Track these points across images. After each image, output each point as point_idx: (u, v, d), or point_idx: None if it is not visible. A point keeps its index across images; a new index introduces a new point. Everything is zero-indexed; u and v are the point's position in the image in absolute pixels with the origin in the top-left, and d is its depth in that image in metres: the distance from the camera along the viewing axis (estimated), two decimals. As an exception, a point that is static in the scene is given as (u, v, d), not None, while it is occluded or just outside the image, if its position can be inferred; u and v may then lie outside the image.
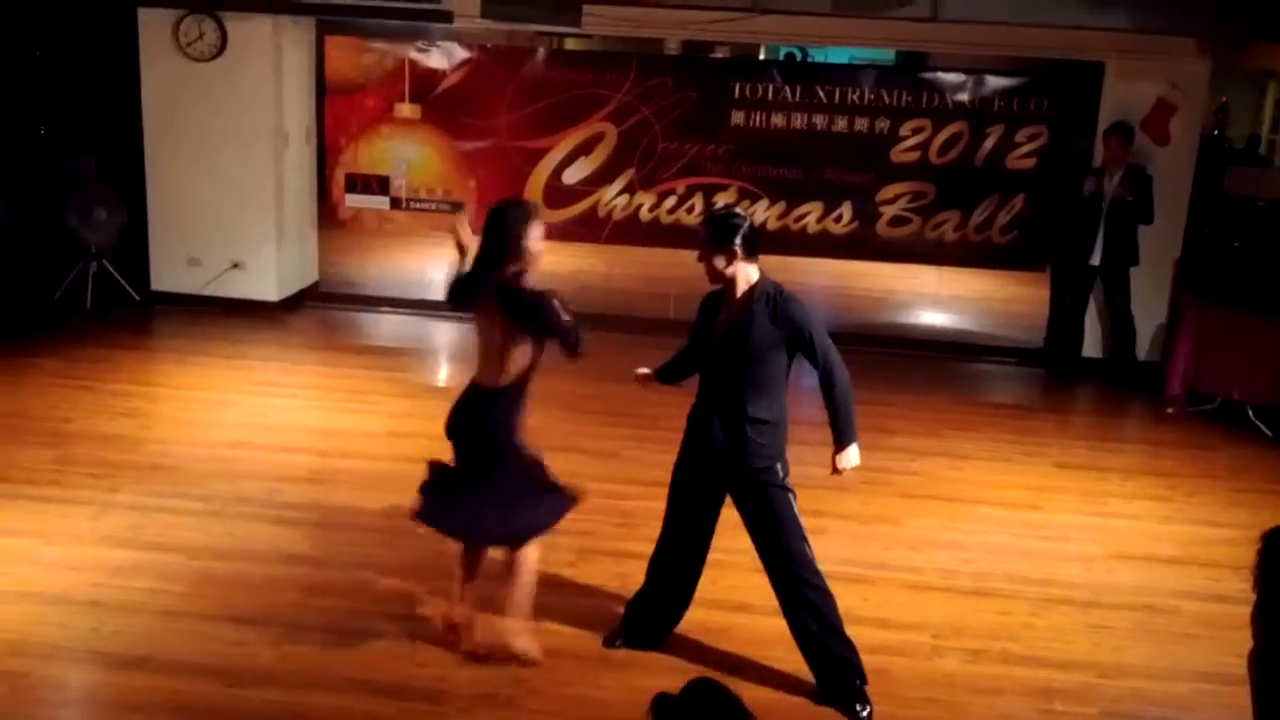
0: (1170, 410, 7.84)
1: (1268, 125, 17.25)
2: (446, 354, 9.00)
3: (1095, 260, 8.18)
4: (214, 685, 4.15)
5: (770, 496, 4.18)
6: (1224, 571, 5.42)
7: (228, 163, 8.85)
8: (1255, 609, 1.21)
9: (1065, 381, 8.49)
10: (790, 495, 4.19)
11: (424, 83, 8.99)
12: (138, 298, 9.06)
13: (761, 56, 15.43)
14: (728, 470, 4.22)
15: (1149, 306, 8.40)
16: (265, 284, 9.07)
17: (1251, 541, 5.63)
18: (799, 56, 14.97)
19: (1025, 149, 8.57)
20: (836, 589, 4.27)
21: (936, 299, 10.09)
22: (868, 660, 4.24)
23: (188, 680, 4.17)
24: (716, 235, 4.16)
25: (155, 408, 7.01)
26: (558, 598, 4.87)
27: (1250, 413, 7.58)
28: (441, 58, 8.99)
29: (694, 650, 4.43)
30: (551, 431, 6.82)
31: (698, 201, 8.93)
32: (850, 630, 4.24)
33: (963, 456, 6.73)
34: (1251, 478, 6.77)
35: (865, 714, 4.13)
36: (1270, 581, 1.18)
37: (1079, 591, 5.21)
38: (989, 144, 8.58)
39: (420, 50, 9.00)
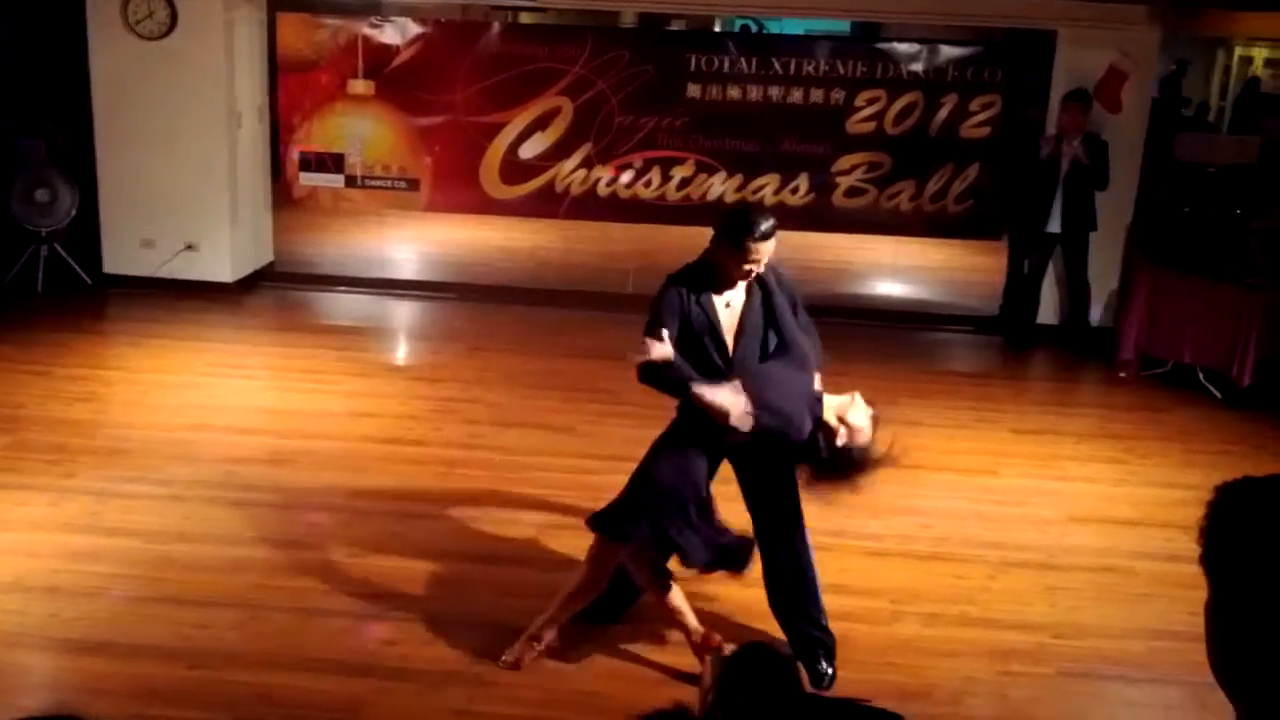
0: (1123, 375, 7.95)
1: (1217, 92, 17.44)
2: (404, 332, 8.97)
3: (1054, 227, 8.26)
4: (178, 668, 4.14)
5: (785, 461, 4.16)
6: (1178, 532, 5.51)
7: (180, 143, 8.74)
8: (1201, 559, 1.24)
9: (1020, 348, 8.59)
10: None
11: (377, 58, 8.91)
12: (90, 281, 8.95)
13: (717, 28, 15.41)
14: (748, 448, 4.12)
15: (1101, 272, 8.50)
16: (220, 265, 8.99)
17: (1204, 502, 5.76)
18: (755, 28, 14.97)
19: (979, 118, 8.62)
20: (796, 557, 4.32)
21: (893, 269, 10.16)
22: (830, 627, 4.30)
23: (151, 664, 4.16)
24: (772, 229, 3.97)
25: (111, 391, 6.95)
26: (523, 572, 4.90)
27: (1200, 375, 7.70)
28: (395, 33, 8.92)
29: (658, 621, 4.46)
30: (513, 409, 6.86)
31: (655, 176, 8.93)
32: (811, 597, 4.30)
33: (920, 424, 6.78)
34: (1203, 439, 6.89)
35: (829, 674, 4.20)
36: (1218, 531, 1.20)
37: (1035, 554, 5.29)
38: (943, 113, 8.62)
39: (373, 26, 8.92)
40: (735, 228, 3.93)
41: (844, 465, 3.96)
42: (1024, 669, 4.39)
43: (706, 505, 4.09)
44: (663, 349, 3.91)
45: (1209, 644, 1.24)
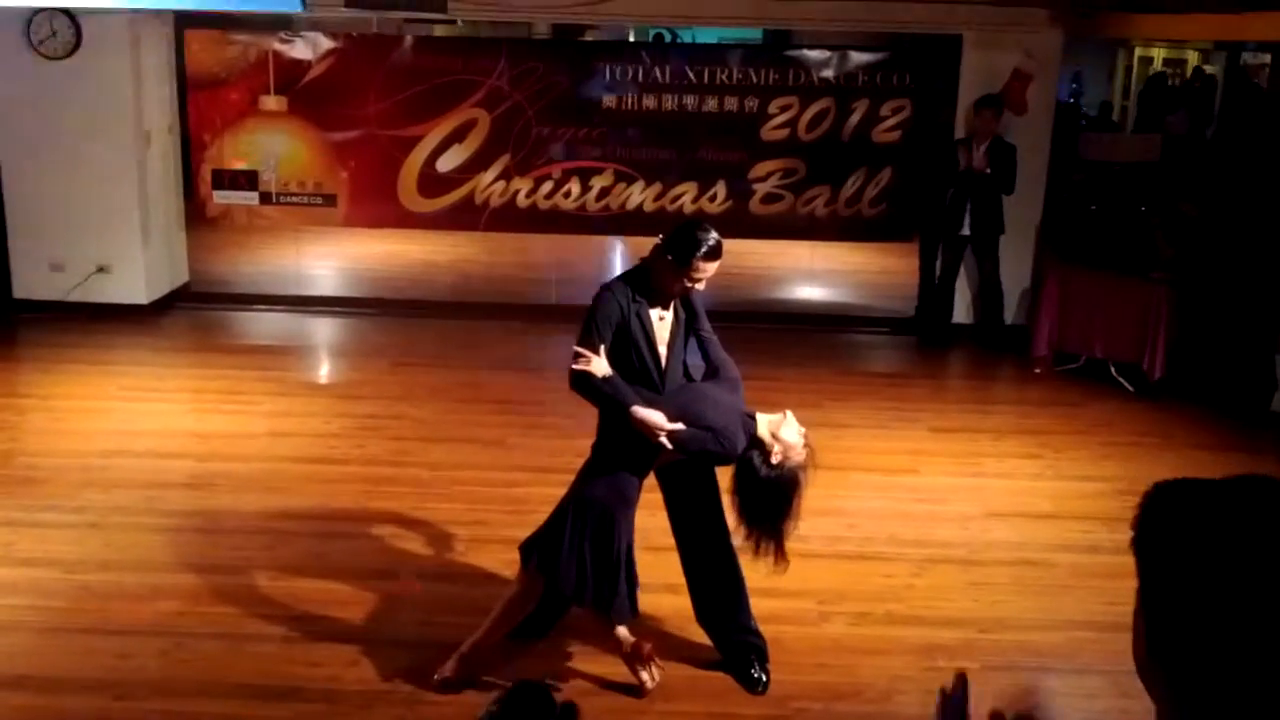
0: (1037, 371, 8.12)
1: (1119, 91, 17.89)
2: (326, 350, 8.88)
3: (965, 230, 8.41)
4: (100, 699, 4.06)
5: (710, 472, 4.19)
6: (1095, 524, 5.65)
7: (88, 163, 8.57)
8: (1134, 551, 1.30)
9: (936, 348, 8.73)
10: None
11: (289, 74, 8.81)
12: (-2, 307, 8.74)
13: (632, 38, 15.46)
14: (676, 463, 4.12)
15: (1013, 272, 8.68)
16: (133, 287, 8.82)
17: (1120, 493, 5.93)
18: (668, 38, 15.04)
19: (890, 122, 8.76)
20: (724, 562, 4.35)
21: (811, 273, 10.27)
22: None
23: (72, 697, 4.08)
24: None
25: (23, 419, 6.79)
26: (451, 588, 4.88)
27: (1112, 369, 7.89)
28: (306, 48, 8.83)
29: (586, 634, 4.47)
30: (439, 423, 6.83)
31: (575, 186, 8.94)
32: (739, 602, 4.34)
33: (843, 425, 6.88)
34: (1117, 431, 7.06)
35: (763, 680, 4.23)
36: (1151, 531, 1.26)
37: (958, 550, 5.39)
38: (855, 119, 8.75)
39: (284, 41, 8.83)
40: (684, 244, 3.93)
41: (782, 484, 3.98)
42: (950, 664, 4.46)
43: (630, 552, 4.10)
44: (600, 364, 3.91)
45: (1135, 638, 1.29)
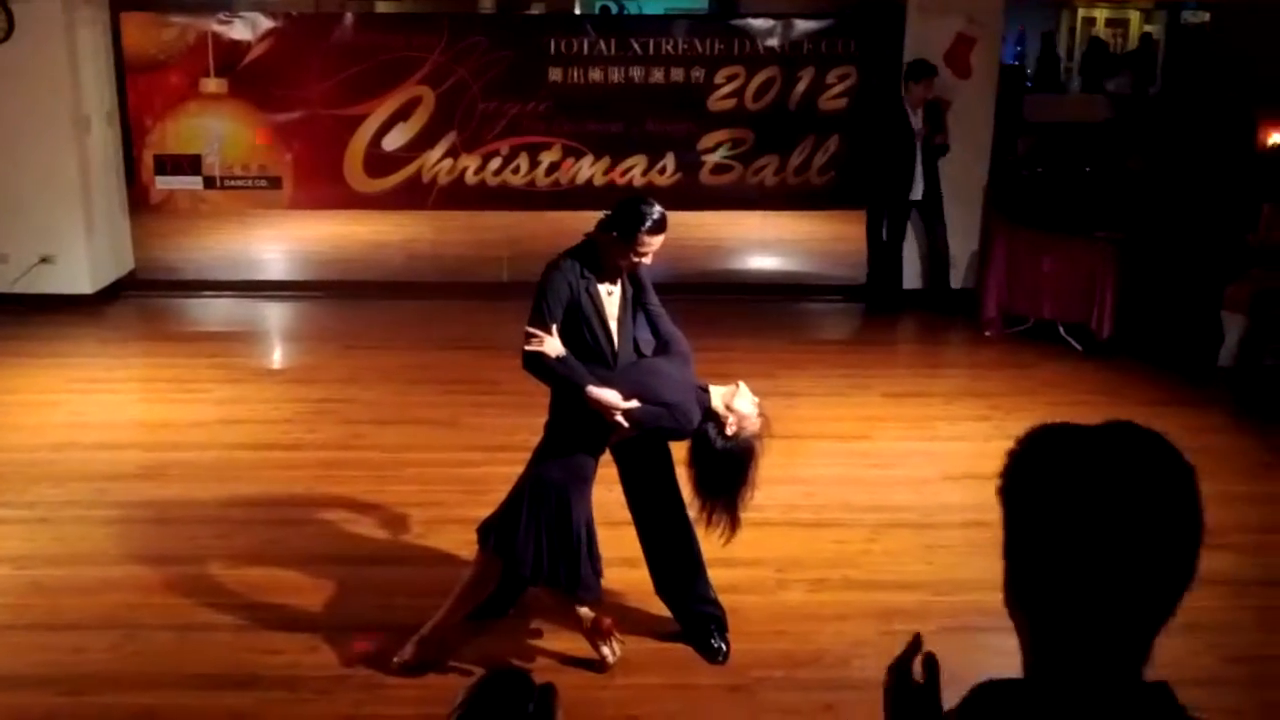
0: (987, 333, 8.20)
1: (1064, 53, 18.00)
2: (275, 335, 8.79)
3: (916, 195, 8.45)
4: (52, 695, 4.01)
5: (665, 446, 4.19)
6: (1045, 483, 5.70)
7: (26, 152, 8.41)
8: (1000, 495, 1.35)
9: (887, 314, 8.77)
10: None
11: (229, 55, 8.69)
12: (-62, 301, 8.58)
13: (577, 11, 15.38)
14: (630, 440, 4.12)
15: (961, 235, 8.74)
16: (78, 276, 8.69)
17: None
18: (614, 10, 14.97)
19: (836, 90, 8.77)
20: (680, 534, 4.36)
21: (762, 243, 10.29)
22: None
23: (24, 694, 4.02)
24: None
25: (-33, 415, 6.68)
26: (409, 571, 4.86)
27: (1061, 329, 7.97)
28: (246, 29, 8.71)
29: (545, 612, 4.47)
30: (392, 405, 6.78)
31: (523, 162, 8.89)
32: (696, 573, 4.35)
33: (796, 394, 6.91)
34: (1066, 391, 7.14)
35: (723, 649, 4.26)
36: (1018, 473, 1.31)
37: (912, 514, 5.43)
38: (801, 87, 8.75)
39: (222, 22, 8.69)
40: (628, 219, 3.91)
41: (738, 454, 3.99)
42: (907, 627, 4.44)
43: (591, 530, 4.11)
44: (553, 344, 3.89)
45: (1004, 583, 1.33)
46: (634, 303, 4.11)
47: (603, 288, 4.03)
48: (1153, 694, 1.25)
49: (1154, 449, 1.26)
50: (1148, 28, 17.38)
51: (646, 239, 3.91)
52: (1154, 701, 1.25)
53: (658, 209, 3.94)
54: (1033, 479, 1.28)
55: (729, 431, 3.96)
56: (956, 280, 8.79)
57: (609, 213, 4.00)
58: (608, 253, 3.99)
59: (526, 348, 3.90)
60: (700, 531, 4.18)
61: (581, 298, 3.97)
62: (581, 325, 3.99)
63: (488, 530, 4.09)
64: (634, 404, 3.88)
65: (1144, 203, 7.99)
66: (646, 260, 4.00)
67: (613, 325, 4.05)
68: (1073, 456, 1.27)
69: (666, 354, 4.12)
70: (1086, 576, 1.22)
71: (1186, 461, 1.26)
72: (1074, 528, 1.23)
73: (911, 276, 8.86)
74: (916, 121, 8.30)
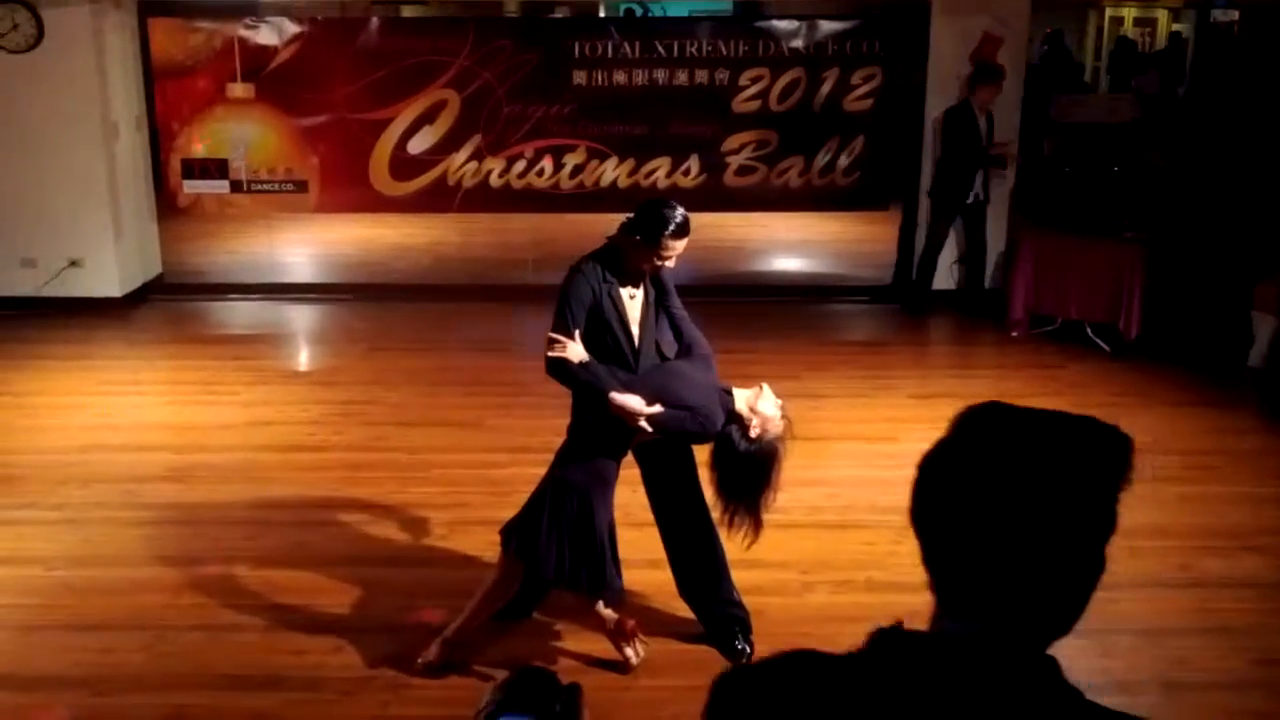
0: (1014, 334, 8.15)
1: (1090, 53, 17.88)
2: (302, 337, 8.84)
3: (970, 199, 8.45)
4: (83, 696, 4.04)
5: (687, 448, 4.19)
6: (1072, 484, 5.66)
7: (56, 157, 8.49)
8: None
9: (914, 316, 8.72)
10: None
11: (255, 60, 8.74)
12: (-30, 305, 8.66)
13: (601, 14, 15.37)
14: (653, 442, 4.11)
15: (989, 237, 8.68)
16: (107, 280, 8.76)
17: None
18: (639, 12, 14.96)
19: (861, 90, 8.74)
20: (705, 536, 4.35)
21: (788, 244, 10.27)
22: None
23: (54, 693, 4.06)
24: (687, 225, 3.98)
25: (-2, 417, 6.75)
26: (433, 572, 4.87)
27: (1088, 330, 7.92)
28: (272, 33, 8.76)
29: (569, 613, 4.47)
30: (417, 406, 6.81)
31: (547, 164, 8.90)
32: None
33: (822, 396, 6.89)
34: (1093, 391, 7.09)
35: (747, 651, 4.25)
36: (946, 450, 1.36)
37: (938, 516, 5.39)
38: (826, 88, 8.73)
39: (249, 27, 8.75)
40: (651, 223, 3.90)
41: (761, 457, 3.98)
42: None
43: (613, 532, 4.11)
44: (577, 349, 3.89)
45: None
46: (656, 305, 4.11)
47: (625, 291, 4.02)
48: (1038, 665, 1.29)
49: (1080, 432, 1.31)
50: (1176, 26, 17.24)
51: (670, 243, 3.90)
52: (1036, 672, 1.28)
53: (681, 212, 3.94)
54: (951, 447, 1.34)
55: (752, 434, 3.95)
56: (985, 281, 8.75)
57: (631, 216, 3.99)
58: (630, 256, 3.98)
59: (550, 354, 3.90)
60: (723, 534, 4.17)
61: (604, 301, 3.97)
62: (604, 330, 3.98)
63: (510, 533, 4.10)
64: (657, 409, 3.87)
65: (1172, 202, 7.93)
66: (670, 264, 3.99)
67: (634, 329, 4.04)
68: (1009, 419, 1.33)
69: (689, 357, 4.11)
70: (986, 542, 1.29)
71: (1110, 451, 1.30)
72: (974, 478, 1.29)
73: (939, 277, 8.81)
74: (983, 124, 8.27)
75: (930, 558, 1.36)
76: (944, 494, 1.32)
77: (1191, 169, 8.58)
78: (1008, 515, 1.26)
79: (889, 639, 1.36)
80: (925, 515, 1.36)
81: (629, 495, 4.31)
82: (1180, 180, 8.42)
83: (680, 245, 3.95)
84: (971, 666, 1.29)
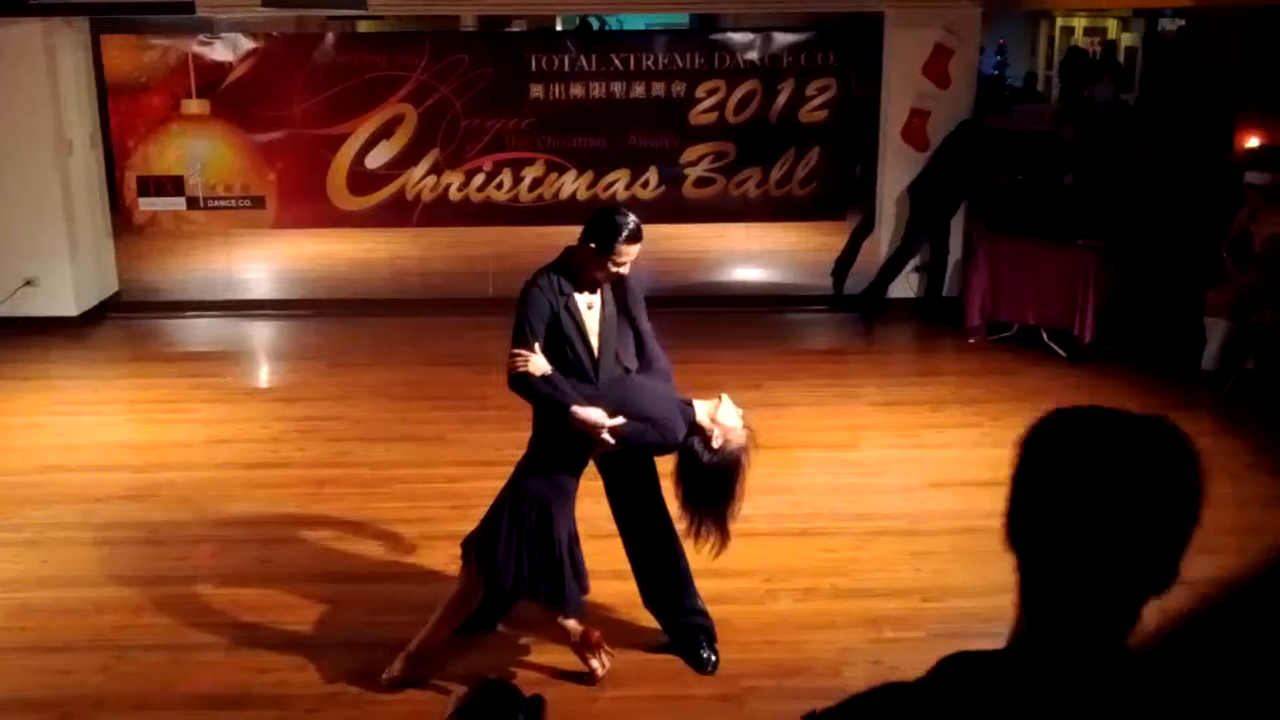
0: (972, 341, 8.24)
1: (1043, 62, 18.13)
2: (262, 354, 8.78)
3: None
4: (45, 718, 4.01)
5: (649, 459, 4.21)
6: (1031, 488, 5.73)
7: (9, 176, 8.41)
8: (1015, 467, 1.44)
9: (874, 324, 8.78)
10: None
11: (210, 76, 8.69)
12: (-78, 325, 8.55)
13: (559, 27, 15.43)
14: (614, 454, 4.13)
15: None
16: (62, 299, 8.67)
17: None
18: (595, 25, 15.03)
19: (817, 101, 8.81)
20: (668, 546, 4.38)
21: (747, 255, 10.32)
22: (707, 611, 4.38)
23: (16, 716, 4.03)
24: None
25: (-47, 439, 6.66)
26: (398, 587, 4.86)
27: (1044, 335, 8.02)
28: (226, 49, 8.71)
29: (534, 625, 4.47)
30: (379, 422, 6.79)
31: (506, 178, 8.91)
32: (685, 584, 4.37)
33: (783, 404, 6.94)
34: (1051, 396, 7.13)
35: (712, 660, 4.27)
36: (1032, 445, 1.39)
37: (899, 522, 5.46)
38: (782, 100, 8.79)
39: (203, 44, 8.70)
40: (604, 230, 3.93)
41: (724, 467, 4.01)
42: (897, 634, 4.53)
43: (575, 544, 4.11)
44: (539, 362, 3.91)
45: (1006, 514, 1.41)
46: (619, 315, 4.13)
47: (582, 302, 4.04)
48: (1135, 663, 1.31)
49: (1165, 432, 1.34)
50: (1126, 36, 17.51)
51: (623, 248, 3.93)
52: (1136, 670, 1.31)
53: (632, 218, 3.97)
54: (1049, 440, 1.37)
55: (715, 445, 3.98)
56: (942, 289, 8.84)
57: (587, 225, 4.02)
58: (586, 265, 4.00)
59: (511, 369, 3.92)
60: (690, 546, 4.19)
61: (561, 314, 3.98)
62: (562, 341, 4.00)
63: (470, 545, 4.11)
64: (619, 421, 3.89)
65: (1124, 209, 8.04)
66: (624, 269, 4.01)
67: (593, 340, 4.06)
68: (1089, 424, 1.37)
69: (648, 372, 4.15)
70: (1082, 533, 1.31)
71: (1193, 448, 1.34)
72: (1078, 490, 1.31)
73: (898, 285, 8.89)
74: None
75: (1029, 573, 1.38)
76: (1046, 507, 1.34)
77: (1143, 175, 8.71)
78: (1115, 520, 1.29)
79: (965, 663, 1.39)
80: (1025, 531, 1.37)
81: (592, 507, 4.33)
82: (1169, 175, 8.51)
83: (633, 250, 3.97)
84: (1078, 674, 1.31)
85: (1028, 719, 1.31)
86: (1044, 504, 1.34)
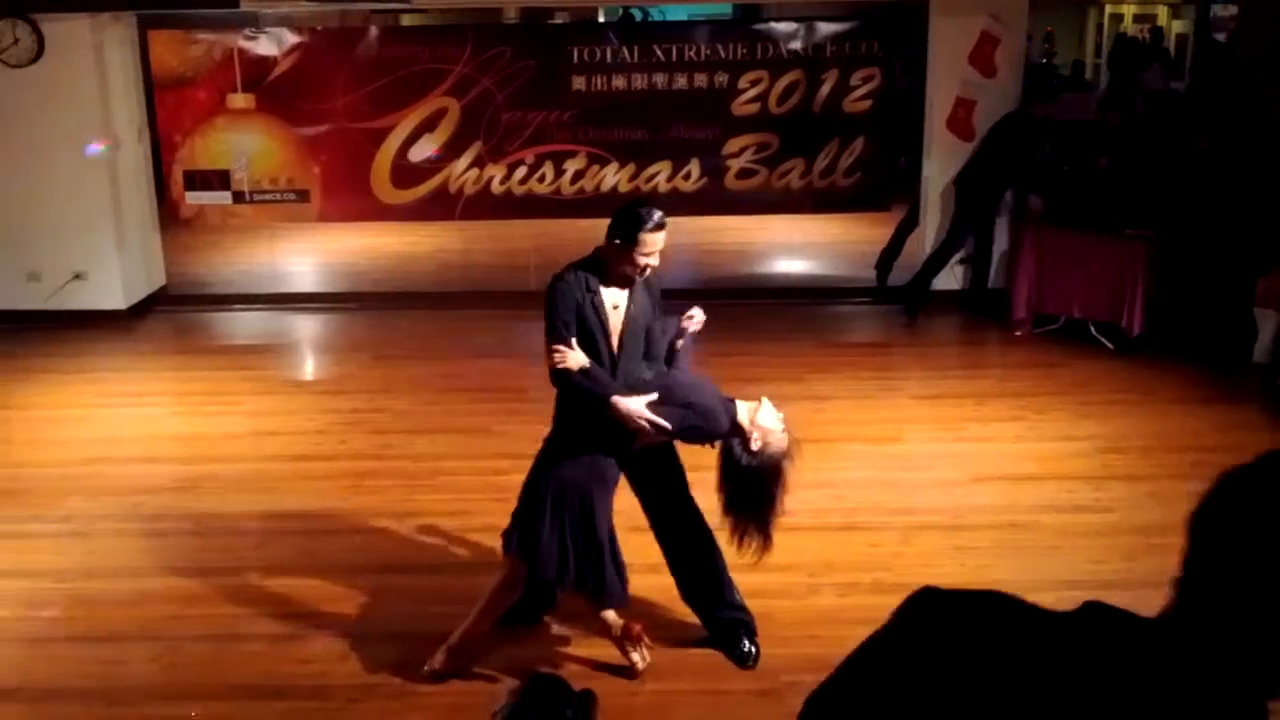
0: (1018, 334, 8.15)
1: (1091, 50, 17.89)
2: (306, 346, 8.85)
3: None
4: (95, 707, 4.06)
5: (674, 455, 4.20)
6: (1078, 483, 5.68)
7: (58, 171, 8.52)
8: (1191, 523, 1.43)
9: (918, 317, 8.69)
10: None
11: (255, 71, 8.77)
12: (-25, 319, 8.68)
13: (600, 19, 15.41)
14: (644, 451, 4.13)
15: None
16: (111, 292, 8.78)
17: (1102, 452, 5.98)
18: (637, 16, 14.98)
19: (860, 91, 8.75)
20: (710, 539, 4.36)
21: (790, 247, 10.28)
22: (748, 605, 4.35)
23: (66, 705, 4.08)
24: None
25: (4, 430, 6.75)
26: (440, 579, 4.88)
27: (1091, 328, 7.92)
28: (271, 44, 8.78)
29: (575, 619, 4.47)
30: (422, 414, 6.82)
31: (548, 170, 8.92)
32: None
33: (826, 397, 6.90)
34: (1097, 390, 7.09)
35: (752, 654, 4.26)
36: (1213, 507, 1.38)
37: (943, 516, 5.41)
38: (825, 90, 8.73)
39: (248, 38, 8.78)
40: (627, 223, 3.92)
41: (764, 471, 3.98)
42: (939, 629, 4.48)
43: (613, 537, 4.11)
44: (577, 356, 3.91)
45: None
46: (649, 319, 4.09)
47: (608, 300, 4.01)
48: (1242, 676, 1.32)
49: None
50: (1177, 24, 17.24)
51: (646, 238, 3.90)
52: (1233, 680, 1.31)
53: (657, 210, 3.96)
54: (1258, 485, 1.36)
55: (754, 447, 3.95)
56: (988, 281, 8.75)
57: (611, 220, 4.01)
58: (614, 260, 3.99)
59: (551, 365, 3.92)
60: (733, 550, 4.16)
61: (586, 309, 3.98)
62: (584, 336, 3.99)
63: (510, 535, 4.11)
64: (658, 410, 3.88)
65: (1174, 199, 7.91)
66: (653, 261, 3.97)
67: (614, 338, 4.03)
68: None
69: (677, 368, 4.17)
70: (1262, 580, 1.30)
71: None
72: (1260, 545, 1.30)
73: (942, 277, 8.80)
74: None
75: (1194, 566, 1.38)
76: (1238, 523, 1.34)
77: (1194, 164, 8.56)
78: None
79: (1107, 615, 1.41)
80: (1210, 532, 1.37)
81: (630, 499, 4.32)
82: (1220, 163, 8.36)
83: (658, 241, 3.94)
84: (1178, 656, 1.33)
85: (1168, 691, 1.32)
86: (1240, 519, 1.34)
